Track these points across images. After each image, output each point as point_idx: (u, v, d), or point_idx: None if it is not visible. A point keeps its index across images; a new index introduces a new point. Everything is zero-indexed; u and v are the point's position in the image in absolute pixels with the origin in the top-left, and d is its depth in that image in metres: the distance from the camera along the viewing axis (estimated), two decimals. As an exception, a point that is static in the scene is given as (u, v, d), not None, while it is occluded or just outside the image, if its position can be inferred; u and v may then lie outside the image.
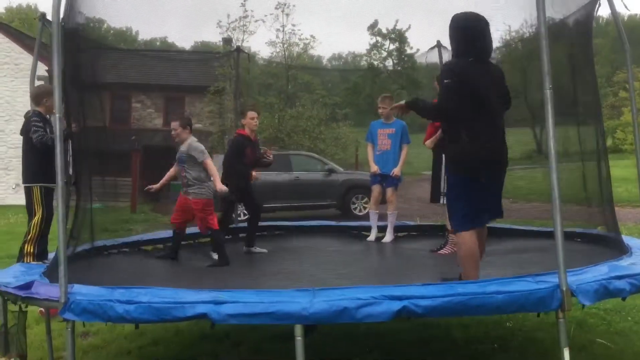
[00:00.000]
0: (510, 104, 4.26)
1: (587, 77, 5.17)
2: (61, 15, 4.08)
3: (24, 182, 5.57)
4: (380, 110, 7.14)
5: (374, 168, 7.12)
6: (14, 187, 23.16)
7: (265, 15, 21.79)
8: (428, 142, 6.16)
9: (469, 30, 3.96)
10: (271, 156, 6.87)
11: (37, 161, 5.43)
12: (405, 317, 3.11)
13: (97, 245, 5.73)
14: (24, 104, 23.04)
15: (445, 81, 3.91)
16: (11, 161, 23.38)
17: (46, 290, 3.65)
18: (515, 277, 3.48)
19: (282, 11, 21.40)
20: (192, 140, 5.93)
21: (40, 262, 5.22)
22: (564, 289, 3.14)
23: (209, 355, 4.66)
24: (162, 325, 4.95)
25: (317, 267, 5.39)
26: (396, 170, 6.93)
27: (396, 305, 3.02)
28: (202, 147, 5.96)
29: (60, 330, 4.45)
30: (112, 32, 77.19)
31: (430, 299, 3.05)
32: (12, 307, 4.14)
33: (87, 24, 5.44)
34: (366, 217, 14.64)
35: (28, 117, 5.65)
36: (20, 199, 23.66)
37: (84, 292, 3.48)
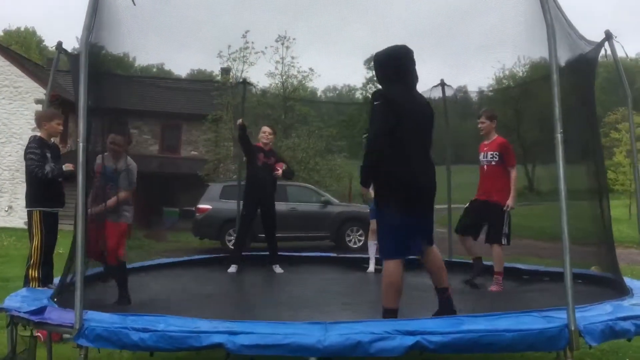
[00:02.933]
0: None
1: (589, 118, 5.32)
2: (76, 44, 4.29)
3: (26, 206, 5.62)
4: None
5: (371, 197, 7.21)
6: (6, 209, 23.05)
7: (266, 47, 22.07)
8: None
9: (398, 61, 4.12)
10: (280, 170, 7.22)
11: (37, 186, 5.49)
12: (417, 352, 3.16)
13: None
14: (21, 127, 23.34)
15: (375, 103, 4.00)
16: (4, 184, 23.32)
17: (59, 315, 3.68)
18: (521, 311, 3.56)
19: (282, 44, 21.74)
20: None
21: (45, 287, 5.22)
22: (573, 328, 3.21)
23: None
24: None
25: (321, 297, 5.44)
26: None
27: (409, 341, 3.08)
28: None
29: (61, 355, 4.46)
30: (110, 57, 78.09)
31: (442, 335, 3.11)
32: (22, 331, 4.15)
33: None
34: (361, 249, 14.79)
35: (27, 144, 5.71)
36: (12, 222, 23.49)
37: (98, 318, 3.51)
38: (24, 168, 20.37)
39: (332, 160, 23.04)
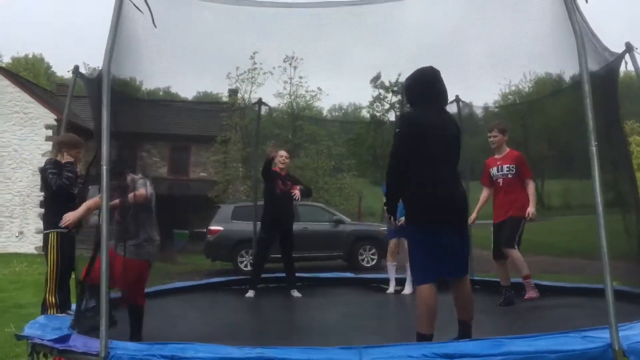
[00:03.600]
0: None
1: (616, 130, 5.24)
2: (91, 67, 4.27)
3: (43, 228, 5.55)
4: None
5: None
6: (17, 235, 23.06)
7: (274, 68, 22.16)
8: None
9: (422, 83, 4.12)
10: (296, 192, 7.24)
11: (54, 208, 5.43)
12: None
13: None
14: (31, 152, 23.43)
15: (396, 130, 4.05)
16: (15, 209, 23.35)
17: (84, 343, 3.59)
18: (560, 332, 3.44)
19: (290, 64, 21.81)
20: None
21: (63, 314, 5.13)
22: (617, 348, 3.09)
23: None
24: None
25: (345, 321, 5.34)
26: (403, 220, 6.92)
27: (448, 364, 2.97)
28: None
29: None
30: (117, 81, 78.82)
31: (481, 358, 3.00)
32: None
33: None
34: (374, 269, 14.66)
35: (44, 166, 5.67)
36: (23, 247, 23.49)
37: (123, 346, 3.42)
38: (35, 193, 20.31)
39: (342, 179, 23.01)
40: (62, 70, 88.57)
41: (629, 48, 5.12)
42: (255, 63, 21.20)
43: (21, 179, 23.45)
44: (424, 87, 4.12)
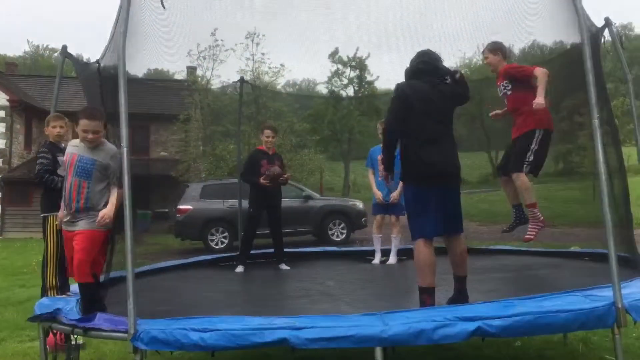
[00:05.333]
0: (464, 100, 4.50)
1: (602, 100, 5.35)
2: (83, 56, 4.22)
3: (41, 212, 5.50)
4: (381, 136, 7.35)
5: (378, 194, 7.30)
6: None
7: (235, 44, 21.95)
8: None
9: (414, 61, 4.50)
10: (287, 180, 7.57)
11: (52, 191, 5.39)
12: (479, 337, 3.25)
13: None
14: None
15: (393, 96, 4.41)
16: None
17: (110, 321, 3.65)
18: (564, 292, 3.69)
19: (252, 40, 21.66)
20: (109, 144, 4.58)
21: (64, 295, 5.13)
22: (620, 306, 3.34)
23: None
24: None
25: (344, 289, 5.51)
26: (394, 195, 7.10)
27: (471, 326, 3.16)
28: None
29: None
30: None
31: (501, 319, 3.20)
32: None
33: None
34: (344, 243, 14.94)
35: (39, 147, 5.65)
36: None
37: (149, 323, 3.49)
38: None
39: (306, 155, 23.12)
40: (5, 48, 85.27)
41: (608, 23, 5.30)
42: (216, 40, 20.99)
43: (-18, 162, 22.76)
44: (414, 64, 4.50)
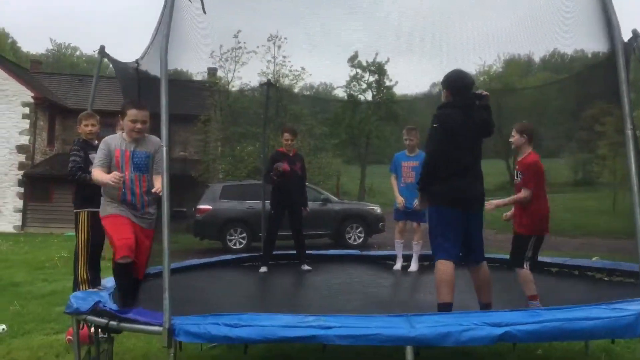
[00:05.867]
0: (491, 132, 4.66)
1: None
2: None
3: (74, 208, 5.63)
4: (406, 142, 7.41)
5: (400, 199, 7.33)
6: (-6, 214, 22.77)
7: (257, 47, 22.15)
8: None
9: (453, 83, 4.55)
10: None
11: (85, 187, 5.51)
12: (507, 342, 3.32)
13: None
14: (8, 130, 23.04)
15: (433, 125, 4.44)
16: (-9, 187, 23.03)
17: (144, 315, 3.76)
18: (590, 305, 3.73)
19: (274, 43, 21.84)
20: (151, 135, 4.53)
21: (95, 289, 5.25)
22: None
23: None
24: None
25: (367, 292, 5.61)
26: (416, 203, 7.12)
27: (498, 331, 3.23)
28: None
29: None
30: (84, 58, 77.22)
31: (529, 325, 3.26)
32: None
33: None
34: (362, 246, 14.96)
35: (72, 145, 5.77)
36: (1, 226, 23.16)
37: (183, 318, 3.60)
38: (12, 172, 20.15)
39: (324, 158, 23.19)
40: (29, 46, 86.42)
41: (636, 35, 5.31)
42: (239, 42, 21.19)
43: (-4, 157, 23.12)
44: (453, 84, 4.56)
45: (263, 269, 7.04)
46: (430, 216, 4.62)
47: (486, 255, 4.47)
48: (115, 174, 4.07)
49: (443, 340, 3.24)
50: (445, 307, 4.18)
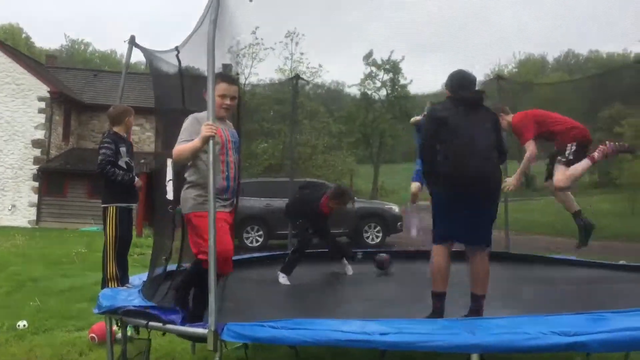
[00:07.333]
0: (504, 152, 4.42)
1: None
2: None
3: (102, 202, 5.49)
4: None
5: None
6: (10, 208, 22.73)
7: (275, 43, 22.05)
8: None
9: (450, 82, 4.46)
10: None
11: (112, 183, 5.38)
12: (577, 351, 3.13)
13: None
14: (24, 124, 23.04)
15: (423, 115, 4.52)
16: (7, 182, 23.00)
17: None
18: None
19: (292, 40, 21.71)
20: None
21: (124, 287, 5.11)
22: None
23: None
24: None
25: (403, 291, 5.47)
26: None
27: (568, 340, 3.03)
28: None
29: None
30: (97, 54, 77.41)
31: (602, 334, 3.06)
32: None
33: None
34: (380, 245, 14.81)
35: (101, 138, 5.64)
36: (16, 220, 23.19)
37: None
38: (27, 166, 20.11)
39: (338, 156, 23.06)
40: (42, 41, 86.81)
41: None
42: (257, 38, 21.08)
43: (13, 152, 23.07)
44: (450, 86, 4.46)
45: (284, 280, 6.38)
46: (434, 198, 4.49)
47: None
48: (206, 124, 3.51)
49: (509, 347, 3.05)
50: (437, 296, 4.11)
